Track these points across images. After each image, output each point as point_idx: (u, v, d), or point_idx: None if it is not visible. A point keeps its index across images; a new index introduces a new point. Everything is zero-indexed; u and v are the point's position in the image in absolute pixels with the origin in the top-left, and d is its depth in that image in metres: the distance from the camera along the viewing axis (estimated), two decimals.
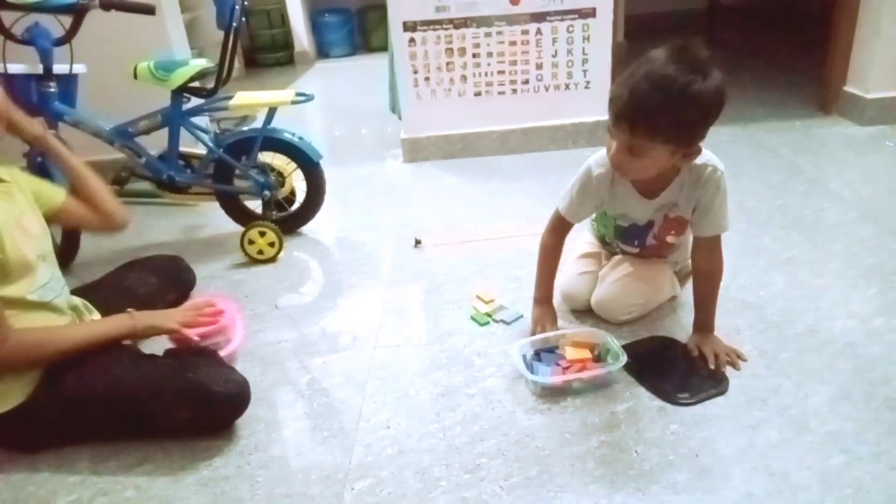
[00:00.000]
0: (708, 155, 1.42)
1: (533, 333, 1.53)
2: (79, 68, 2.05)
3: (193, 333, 1.38)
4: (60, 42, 1.96)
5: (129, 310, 1.39)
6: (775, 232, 2.04)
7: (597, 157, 1.49)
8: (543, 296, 1.61)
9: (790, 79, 3.77)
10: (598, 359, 1.43)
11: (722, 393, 1.36)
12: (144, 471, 1.28)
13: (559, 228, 1.59)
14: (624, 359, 1.38)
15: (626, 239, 1.62)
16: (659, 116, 1.23)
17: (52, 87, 1.99)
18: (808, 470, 1.16)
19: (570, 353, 1.43)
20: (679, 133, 1.27)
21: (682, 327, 1.59)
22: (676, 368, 1.44)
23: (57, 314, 1.35)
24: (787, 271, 1.81)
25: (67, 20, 1.95)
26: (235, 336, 1.52)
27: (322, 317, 1.79)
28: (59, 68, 2.00)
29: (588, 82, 2.89)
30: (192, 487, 1.23)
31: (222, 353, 1.45)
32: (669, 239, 1.57)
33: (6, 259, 1.22)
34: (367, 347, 1.62)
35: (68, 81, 2.06)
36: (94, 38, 2.04)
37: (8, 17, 1.87)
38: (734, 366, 1.43)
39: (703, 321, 1.50)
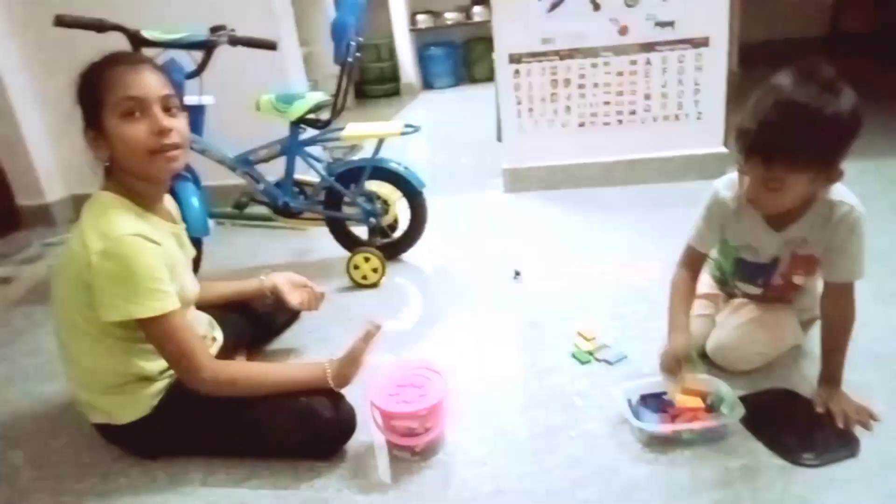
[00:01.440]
0: (847, 192, 1.33)
1: (665, 365, 1.40)
2: (207, 99, 2.21)
3: (389, 408, 1.31)
4: (192, 75, 2.12)
5: (328, 361, 1.37)
6: None
7: (724, 180, 1.43)
8: (679, 325, 1.44)
9: None
10: (711, 408, 1.35)
11: (852, 455, 1.24)
12: (250, 486, 1.32)
13: (690, 262, 1.52)
14: (741, 410, 1.29)
15: (748, 277, 1.52)
16: (795, 147, 1.17)
17: (172, 97, 2.15)
18: None
19: (680, 400, 1.35)
20: (818, 160, 1.20)
21: (804, 379, 1.47)
22: (799, 424, 1.32)
23: None
24: None
25: (198, 55, 2.12)
26: (436, 424, 1.33)
27: (421, 345, 1.80)
28: (190, 100, 2.16)
29: (700, 113, 2.79)
30: None
31: (415, 443, 1.32)
32: (797, 280, 1.46)
33: (183, 294, 1.33)
34: (465, 378, 1.61)
35: (198, 112, 2.22)
36: (220, 72, 2.20)
37: (148, 54, 2.05)
38: (865, 426, 1.30)
39: (831, 374, 1.38)
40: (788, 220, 1.37)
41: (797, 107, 1.15)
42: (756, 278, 1.51)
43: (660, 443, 1.32)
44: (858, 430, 1.30)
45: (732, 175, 1.43)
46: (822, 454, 1.24)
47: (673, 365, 1.36)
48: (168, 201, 1.46)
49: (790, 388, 1.44)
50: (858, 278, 1.35)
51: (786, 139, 1.16)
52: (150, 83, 1.25)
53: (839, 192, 1.33)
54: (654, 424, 1.31)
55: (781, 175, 1.21)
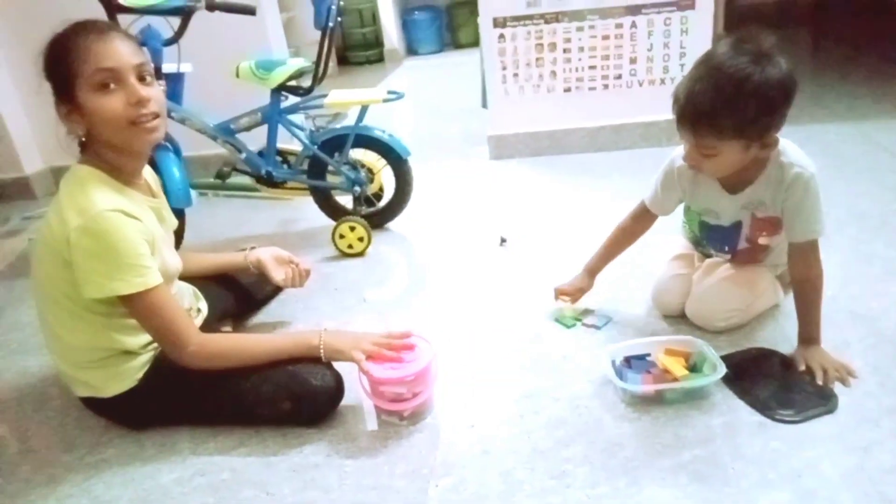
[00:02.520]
0: (797, 155, 1.36)
1: (559, 294, 1.64)
2: (186, 67, 2.16)
3: (377, 374, 1.31)
4: (169, 42, 2.07)
5: (324, 329, 1.37)
6: (890, 237, 1.89)
7: (680, 150, 1.45)
8: (591, 266, 1.66)
9: None
10: (694, 369, 1.37)
11: (830, 411, 1.27)
12: (240, 454, 1.34)
13: (639, 216, 1.59)
14: (722, 370, 1.31)
15: (715, 242, 1.56)
16: (718, 117, 1.21)
17: (162, 86, 2.11)
18: None
19: (663, 360, 1.37)
20: (744, 129, 1.23)
21: (785, 338, 1.49)
22: (779, 382, 1.35)
23: None
24: None
25: (176, 22, 2.07)
26: (424, 389, 1.34)
27: (409, 312, 1.81)
28: (168, 67, 2.12)
29: None
30: (283, 473, 1.27)
31: (403, 408, 1.33)
32: (762, 241, 1.49)
33: (165, 269, 1.31)
34: (451, 345, 1.63)
35: (176, 80, 2.18)
36: (198, 39, 2.15)
37: (124, 21, 2.00)
38: (844, 382, 1.33)
39: (808, 332, 1.40)
40: (743, 183, 1.41)
41: (724, 77, 1.19)
42: (722, 243, 1.54)
43: (643, 403, 1.34)
44: (837, 387, 1.33)
45: None
46: (801, 411, 1.27)
47: (570, 292, 1.63)
48: (147, 174, 1.43)
49: (770, 346, 1.47)
50: (818, 236, 1.37)
51: (711, 109, 1.20)
52: (123, 52, 1.21)
53: (791, 154, 1.36)
54: (638, 385, 1.33)
55: (711, 143, 1.25)
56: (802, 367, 1.37)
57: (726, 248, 1.54)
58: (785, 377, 1.37)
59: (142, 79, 1.24)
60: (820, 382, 1.33)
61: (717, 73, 1.20)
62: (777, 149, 1.34)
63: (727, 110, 1.20)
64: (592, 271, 1.66)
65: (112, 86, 1.20)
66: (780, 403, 1.29)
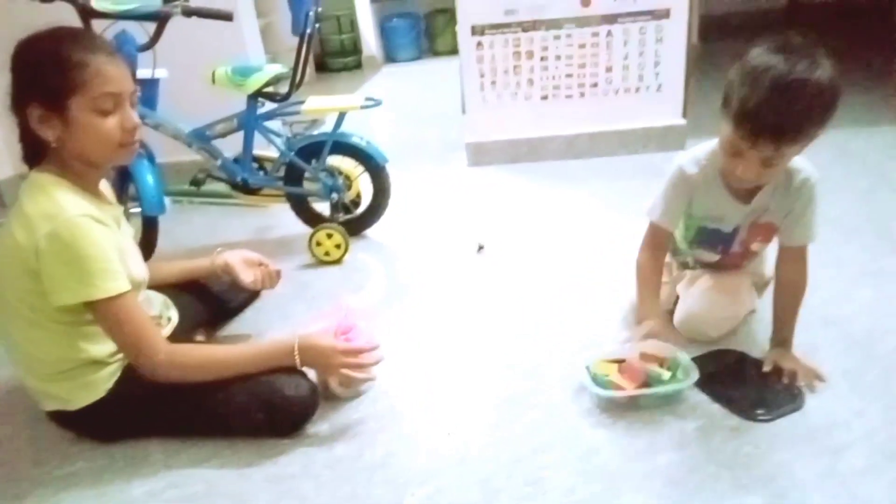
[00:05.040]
0: (802, 160, 1.36)
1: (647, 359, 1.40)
2: (160, 73, 2.14)
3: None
4: (144, 48, 2.05)
5: (298, 337, 1.35)
6: (861, 242, 1.93)
7: (688, 157, 1.44)
8: (651, 312, 1.46)
9: (877, 81, 3.55)
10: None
11: (798, 408, 1.29)
12: (213, 466, 1.32)
13: (655, 241, 1.50)
14: (695, 375, 1.32)
15: (708, 245, 1.54)
16: (803, 122, 1.19)
17: (137, 92, 2.09)
18: None
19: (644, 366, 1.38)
20: (816, 131, 1.23)
21: (756, 343, 1.51)
22: (750, 384, 1.37)
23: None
24: (874, 285, 1.71)
25: (151, 27, 2.05)
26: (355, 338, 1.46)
27: (386, 320, 1.80)
28: (143, 73, 2.09)
29: (660, 85, 2.81)
30: (258, 484, 1.26)
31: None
32: (754, 247, 1.50)
33: (131, 278, 1.29)
34: (429, 352, 1.62)
35: (151, 86, 2.15)
36: (174, 44, 2.12)
37: (98, 26, 1.97)
38: (811, 387, 1.35)
39: (783, 336, 1.43)
40: (753, 192, 1.40)
41: (797, 83, 1.17)
42: (716, 245, 1.53)
43: (618, 408, 1.35)
44: (809, 391, 1.35)
45: (696, 151, 1.45)
46: (773, 409, 1.29)
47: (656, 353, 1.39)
48: (102, 183, 1.41)
49: (741, 350, 1.49)
50: (812, 241, 1.40)
51: (795, 116, 1.18)
52: (125, 78, 1.25)
53: (797, 159, 1.35)
54: (611, 390, 1.34)
55: (785, 151, 1.23)
56: (768, 369, 1.39)
57: (719, 248, 1.53)
58: (755, 379, 1.39)
59: (133, 104, 1.27)
60: (786, 381, 1.35)
61: (788, 81, 1.17)
62: None
63: (811, 115, 1.19)
64: (655, 313, 1.46)
65: (110, 108, 1.22)
66: (753, 404, 1.31)
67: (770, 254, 1.54)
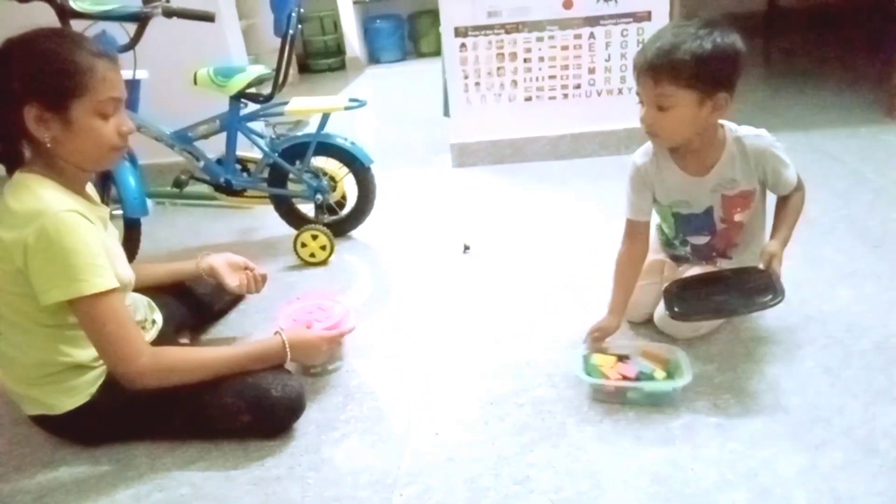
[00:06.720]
0: (747, 128, 1.46)
1: (589, 335, 1.50)
2: (142, 74, 2.12)
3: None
4: (125, 49, 2.02)
5: (281, 333, 1.39)
6: (839, 243, 1.96)
7: (639, 151, 1.55)
8: (612, 306, 1.55)
9: (855, 83, 3.61)
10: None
11: (781, 300, 1.34)
12: (199, 468, 1.31)
13: (631, 234, 1.57)
14: (688, 378, 1.33)
15: (692, 231, 1.58)
16: (678, 54, 1.29)
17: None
18: (878, 496, 1.10)
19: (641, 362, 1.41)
20: (699, 72, 1.30)
21: (742, 343, 1.53)
22: (729, 285, 1.45)
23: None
24: (853, 285, 1.74)
25: (132, 28, 2.03)
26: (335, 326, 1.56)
27: (372, 321, 1.80)
28: (124, 74, 2.06)
29: None
30: (244, 487, 1.25)
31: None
32: (738, 217, 1.53)
33: (119, 278, 1.27)
34: (415, 353, 1.62)
35: (132, 87, 2.13)
36: (155, 45, 2.11)
37: (77, 26, 1.95)
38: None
39: (779, 233, 1.47)
40: (707, 165, 1.46)
41: (684, 32, 1.31)
42: (700, 229, 1.57)
43: (605, 405, 1.36)
44: (789, 390, 1.37)
45: (646, 145, 1.53)
46: (758, 300, 1.37)
47: (598, 338, 1.49)
48: (88, 186, 1.41)
49: (727, 354, 1.50)
50: (797, 183, 1.49)
51: (671, 47, 1.30)
52: (122, 83, 1.27)
53: (742, 129, 1.46)
54: (599, 379, 1.36)
55: (670, 91, 1.32)
56: (765, 260, 1.41)
57: (705, 232, 1.56)
58: (737, 281, 1.45)
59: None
60: (762, 267, 1.40)
61: (678, 30, 1.32)
62: (728, 127, 1.45)
63: (688, 56, 1.29)
64: (615, 310, 1.54)
65: (111, 113, 1.24)
66: (739, 303, 1.40)
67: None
